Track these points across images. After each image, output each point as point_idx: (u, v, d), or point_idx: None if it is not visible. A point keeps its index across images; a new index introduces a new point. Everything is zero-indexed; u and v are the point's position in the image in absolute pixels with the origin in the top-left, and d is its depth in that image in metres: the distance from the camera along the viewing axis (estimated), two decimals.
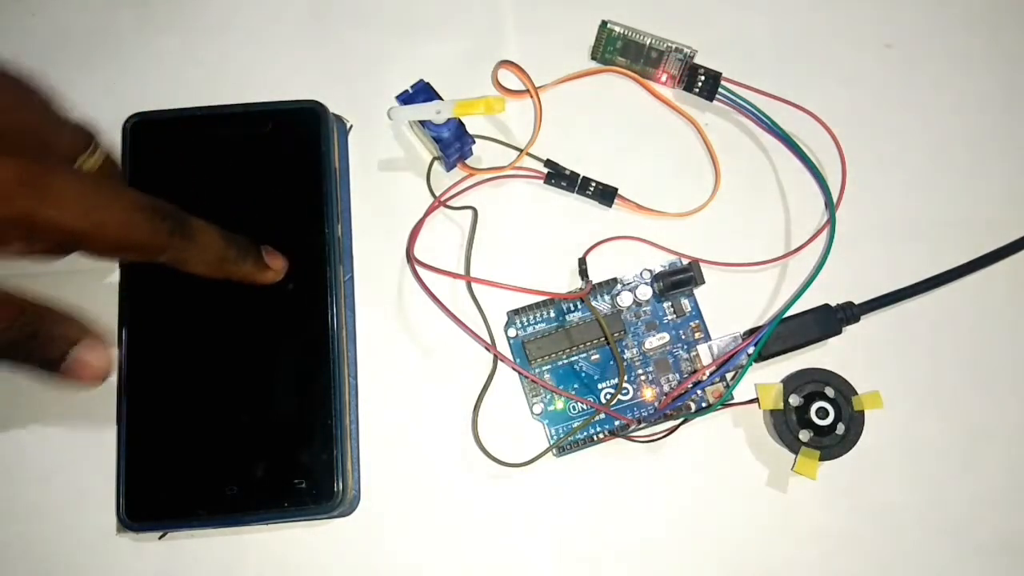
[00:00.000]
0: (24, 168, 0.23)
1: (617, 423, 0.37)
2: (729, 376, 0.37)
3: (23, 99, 0.27)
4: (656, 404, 0.37)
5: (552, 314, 0.38)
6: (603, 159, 0.40)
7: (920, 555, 0.37)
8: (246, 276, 0.33)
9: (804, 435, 0.36)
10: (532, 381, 0.37)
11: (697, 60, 0.40)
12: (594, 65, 0.41)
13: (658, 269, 0.39)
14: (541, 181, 0.40)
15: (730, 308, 0.38)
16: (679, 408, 0.37)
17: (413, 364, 0.38)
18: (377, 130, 0.40)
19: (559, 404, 0.37)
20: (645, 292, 0.38)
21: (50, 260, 0.27)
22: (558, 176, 0.39)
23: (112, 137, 0.35)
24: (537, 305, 0.38)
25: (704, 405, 0.37)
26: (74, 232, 0.24)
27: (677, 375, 0.38)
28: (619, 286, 0.38)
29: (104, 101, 0.38)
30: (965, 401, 0.38)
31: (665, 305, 0.38)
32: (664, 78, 0.41)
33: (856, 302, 0.38)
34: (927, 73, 0.42)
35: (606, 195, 0.39)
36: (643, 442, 0.37)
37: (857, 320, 0.38)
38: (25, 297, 0.25)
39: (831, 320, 0.38)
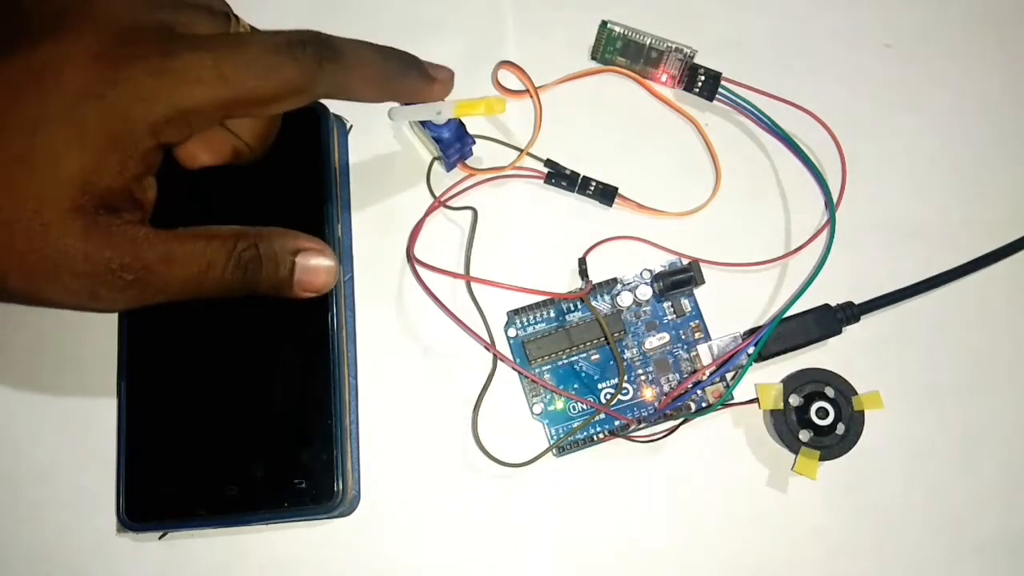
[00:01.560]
0: (151, 63, 0.22)
1: (617, 423, 0.37)
2: (729, 376, 0.37)
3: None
4: (656, 404, 0.37)
5: (552, 314, 0.38)
6: (603, 159, 0.40)
7: (920, 555, 0.37)
8: (414, 92, 0.29)
9: (804, 435, 0.36)
10: (532, 381, 0.37)
11: (697, 60, 0.40)
12: (594, 65, 0.41)
13: (658, 269, 0.39)
14: (541, 181, 0.40)
15: (730, 308, 0.38)
16: (679, 408, 0.37)
17: (413, 364, 0.38)
18: (377, 130, 0.40)
19: (559, 404, 0.37)
20: (645, 292, 0.38)
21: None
22: (558, 176, 0.39)
23: None
24: (537, 305, 0.38)
25: (704, 405, 0.37)
26: (223, 102, 0.23)
27: (677, 375, 0.38)
28: (619, 286, 0.38)
29: None
30: (965, 401, 0.38)
31: (665, 305, 0.38)
32: (664, 78, 0.41)
33: (856, 302, 0.38)
34: (927, 73, 0.42)
35: (606, 195, 0.39)
36: (643, 442, 0.37)
37: (857, 320, 0.38)
38: (234, 227, 0.24)
39: (831, 320, 0.38)
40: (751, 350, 0.37)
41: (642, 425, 0.37)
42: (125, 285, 0.22)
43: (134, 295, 0.23)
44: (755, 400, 0.37)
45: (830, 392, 0.37)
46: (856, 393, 0.36)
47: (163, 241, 0.23)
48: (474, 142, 0.39)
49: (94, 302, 0.23)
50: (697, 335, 0.38)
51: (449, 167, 0.39)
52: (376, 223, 0.39)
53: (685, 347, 0.38)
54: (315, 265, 0.26)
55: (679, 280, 0.37)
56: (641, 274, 0.39)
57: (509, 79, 0.41)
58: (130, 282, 0.22)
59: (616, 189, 0.39)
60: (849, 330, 0.38)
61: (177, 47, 0.22)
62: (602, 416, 0.37)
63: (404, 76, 0.28)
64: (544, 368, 0.38)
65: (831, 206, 0.39)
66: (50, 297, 0.22)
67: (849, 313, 0.38)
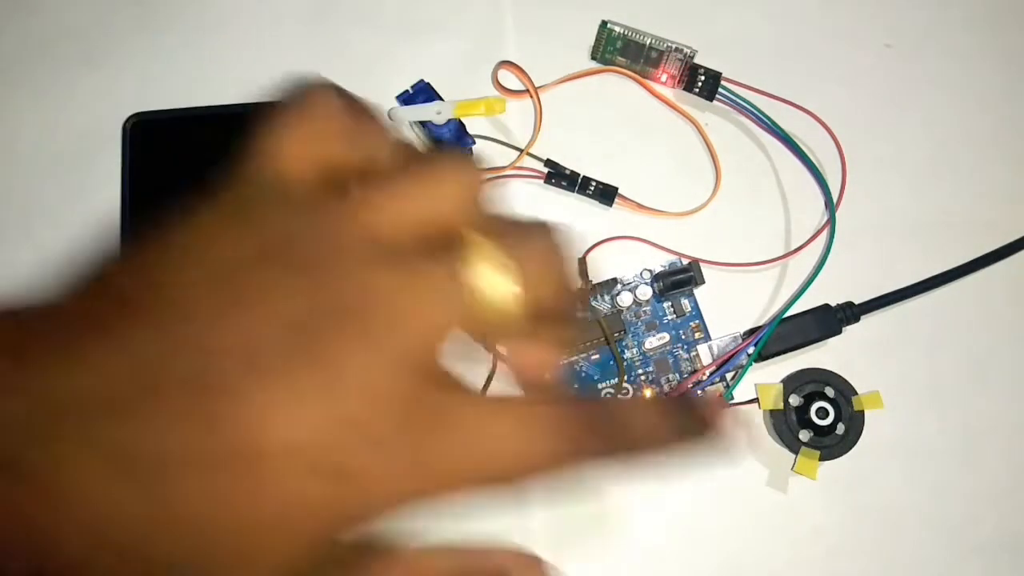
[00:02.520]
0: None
1: None
2: (729, 376, 0.37)
3: None
4: None
5: None
6: (603, 159, 0.40)
7: (920, 555, 0.37)
8: None
9: (804, 435, 0.36)
10: None
11: (697, 60, 0.40)
12: (594, 65, 0.41)
13: (658, 269, 0.39)
14: (541, 181, 0.40)
15: (730, 308, 0.38)
16: None
17: None
18: None
19: None
20: (645, 292, 0.38)
21: None
22: (558, 176, 0.39)
23: (112, 137, 0.35)
24: None
25: None
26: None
27: (677, 375, 0.38)
28: (619, 286, 0.38)
29: (104, 101, 0.38)
30: (965, 401, 0.38)
31: (665, 305, 0.38)
32: (664, 78, 0.41)
33: (856, 302, 0.38)
34: (927, 73, 0.42)
35: (606, 194, 0.39)
36: None
37: (857, 320, 0.38)
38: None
39: (831, 320, 0.38)
40: (751, 350, 0.37)
41: None
42: None
43: None
44: (755, 400, 0.37)
45: (830, 392, 0.37)
46: (856, 393, 0.36)
47: None
48: (474, 142, 0.39)
49: None
50: (697, 335, 0.38)
51: None
52: None
53: (685, 347, 0.38)
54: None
55: (679, 280, 0.37)
56: (641, 274, 0.39)
57: (509, 79, 0.41)
58: None
59: (616, 189, 0.39)
60: (849, 330, 0.38)
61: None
62: None
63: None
64: None
65: (831, 206, 0.39)
66: None
67: (849, 313, 0.38)
